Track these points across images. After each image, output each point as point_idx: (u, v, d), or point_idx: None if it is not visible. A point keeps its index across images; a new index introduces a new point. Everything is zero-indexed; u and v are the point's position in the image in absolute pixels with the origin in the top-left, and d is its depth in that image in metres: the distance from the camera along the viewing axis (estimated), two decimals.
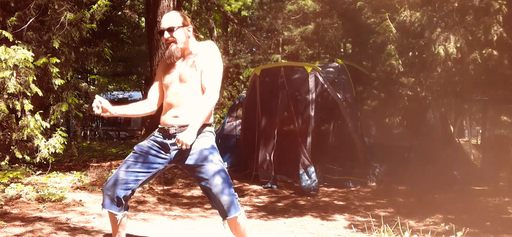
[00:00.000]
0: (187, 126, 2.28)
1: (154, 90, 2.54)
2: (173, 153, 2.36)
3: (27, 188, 4.65)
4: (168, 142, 2.37)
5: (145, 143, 2.43)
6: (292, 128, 6.26)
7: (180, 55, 2.42)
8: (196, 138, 2.29)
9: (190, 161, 2.31)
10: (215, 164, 2.29)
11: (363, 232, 3.54)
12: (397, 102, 5.34)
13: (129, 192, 2.36)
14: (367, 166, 6.08)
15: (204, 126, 2.37)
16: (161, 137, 2.40)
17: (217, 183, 2.24)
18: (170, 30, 2.38)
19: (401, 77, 5.24)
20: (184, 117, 2.35)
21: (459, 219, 3.82)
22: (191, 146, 2.28)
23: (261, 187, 5.93)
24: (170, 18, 2.41)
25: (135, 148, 2.45)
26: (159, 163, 2.39)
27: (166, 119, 2.41)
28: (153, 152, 2.39)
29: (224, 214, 2.27)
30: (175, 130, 2.35)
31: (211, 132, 2.44)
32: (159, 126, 2.44)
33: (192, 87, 2.37)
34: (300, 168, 5.67)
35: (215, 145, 2.41)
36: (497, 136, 7.04)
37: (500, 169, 6.17)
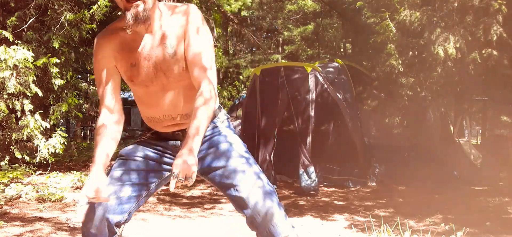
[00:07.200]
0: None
1: (110, 97, 1.60)
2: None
3: (27, 188, 4.66)
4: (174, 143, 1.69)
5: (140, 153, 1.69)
6: (292, 128, 6.26)
7: (147, 23, 1.49)
8: (211, 135, 1.67)
9: (216, 162, 1.60)
10: (250, 165, 1.57)
11: (363, 232, 3.54)
12: (397, 102, 5.35)
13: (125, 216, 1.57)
14: (367, 166, 6.07)
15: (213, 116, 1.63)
16: (162, 139, 1.71)
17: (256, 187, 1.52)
18: None
19: (401, 77, 5.25)
20: (184, 118, 1.64)
21: (459, 219, 3.81)
22: (209, 143, 1.65)
23: None
24: None
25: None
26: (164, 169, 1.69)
27: (158, 127, 1.69)
28: (154, 157, 1.69)
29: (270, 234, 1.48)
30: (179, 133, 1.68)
31: (223, 116, 1.73)
32: (152, 131, 1.73)
33: (179, 77, 1.56)
34: (300, 168, 5.66)
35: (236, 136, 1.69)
36: (497, 136, 7.04)
37: (500, 169, 6.17)
